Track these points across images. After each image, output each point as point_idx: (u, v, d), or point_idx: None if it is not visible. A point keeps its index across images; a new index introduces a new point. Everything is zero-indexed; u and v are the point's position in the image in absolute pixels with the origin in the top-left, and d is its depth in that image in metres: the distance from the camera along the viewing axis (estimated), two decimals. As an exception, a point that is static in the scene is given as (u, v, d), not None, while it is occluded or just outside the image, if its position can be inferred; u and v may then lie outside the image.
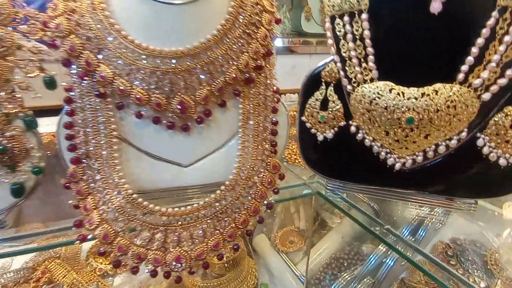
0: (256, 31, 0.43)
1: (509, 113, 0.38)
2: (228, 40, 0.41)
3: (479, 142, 0.40)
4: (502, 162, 0.40)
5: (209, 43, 0.40)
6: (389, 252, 0.73)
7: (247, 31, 0.42)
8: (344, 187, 0.51)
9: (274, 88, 0.47)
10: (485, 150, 0.40)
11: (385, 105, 0.40)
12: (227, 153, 0.46)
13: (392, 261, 0.72)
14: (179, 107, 0.41)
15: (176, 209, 0.43)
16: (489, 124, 0.39)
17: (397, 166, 0.44)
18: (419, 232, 0.73)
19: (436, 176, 0.44)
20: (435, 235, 0.73)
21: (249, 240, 0.92)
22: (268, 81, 0.46)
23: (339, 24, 0.42)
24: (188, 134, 0.45)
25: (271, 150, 0.47)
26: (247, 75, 0.44)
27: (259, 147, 0.46)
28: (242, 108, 0.45)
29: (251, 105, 0.45)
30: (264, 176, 0.46)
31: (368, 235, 0.80)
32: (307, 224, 0.78)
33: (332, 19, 0.42)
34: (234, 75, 0.42)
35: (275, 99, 0.47)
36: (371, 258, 0.75)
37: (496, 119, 0.39)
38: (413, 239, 0.70)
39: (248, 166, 0.45)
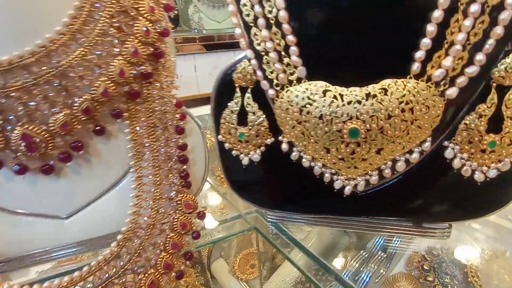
0: (131, 23, 0.30)
1: (483, 113, 0.28)
2: (86, 39, 0.28)
3: (448, 154, 0.30)
4: (478, 176, 0.30)
5: (53, 45, 0.27)
6: (361, 268, 0.66)
7: (116, 24, 0.29)
8: (289, 218, 0.40)
9: (174, 101, 0.34)
10: (456, 163, 0.30)
11: (319, 113, 0.29)
12: (120, 195, 0.34)
13: (367, 276, 0.64)
14: (23, 143, 0.28)
15: (46, 283, 0.30)
16: (459, 129, 0.29)
17: (347, 189, 0.33)
18: (393, 241, 0.66)
19: (398, 199, 0.34)
20: (410, 244, 0.65)
21: (207, 266, 0.81)
22: (166, 93, 0.34)
23: (245, 5, 0.30)
24: (58, 176, 0.32)
25: (181, 183, 0.35)
26: (128, 87, 0.31)
27: (163, 182, 0.34)
28: (131, 132, 0.33)
29: (144, 128, 0.33)
30: (175, 219, 0.34)
31: (339, 248, 0.73)
32: (266, 248, 0.67)
33: (237, -1, 0.30)
34: (105, 89, 0.29)
35: (179, 115, 0.34)
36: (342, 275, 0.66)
37: (467, 122, 0.28)
38: (385, 255, 0.62)
39: (149, 210, 0.33)
